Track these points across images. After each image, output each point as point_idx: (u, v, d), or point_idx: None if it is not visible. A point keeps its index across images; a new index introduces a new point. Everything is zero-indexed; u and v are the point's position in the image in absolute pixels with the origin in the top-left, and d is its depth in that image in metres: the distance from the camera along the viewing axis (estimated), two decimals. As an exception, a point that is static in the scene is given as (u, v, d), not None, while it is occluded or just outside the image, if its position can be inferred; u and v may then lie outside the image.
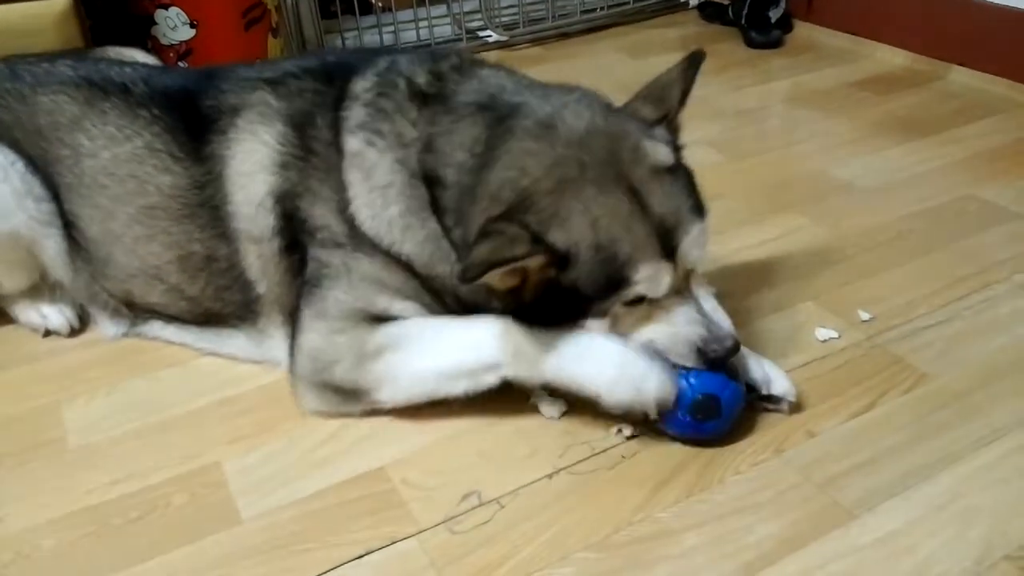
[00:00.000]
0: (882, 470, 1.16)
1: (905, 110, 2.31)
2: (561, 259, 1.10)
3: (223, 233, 1.35)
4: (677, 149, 1.22)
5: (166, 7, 2.30)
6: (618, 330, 1.17)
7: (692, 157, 1.24)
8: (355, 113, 1.28)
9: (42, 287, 1.53)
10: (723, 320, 1.18)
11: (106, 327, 1.52)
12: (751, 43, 2.83)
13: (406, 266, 1.26)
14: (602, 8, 3.09)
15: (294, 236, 1.30)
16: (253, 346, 1.42)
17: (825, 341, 1.42)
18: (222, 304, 1.41)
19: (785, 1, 2.84)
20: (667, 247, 1.12)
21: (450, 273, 1.24)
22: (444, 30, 3.00)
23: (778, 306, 1.51)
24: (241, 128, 1.33)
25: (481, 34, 2.99)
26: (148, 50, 2.13)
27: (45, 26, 1.93)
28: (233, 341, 1.43)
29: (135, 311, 1.49)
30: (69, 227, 1.46)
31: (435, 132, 1.23)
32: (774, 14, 2.83)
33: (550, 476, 1.19)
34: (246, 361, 1.43)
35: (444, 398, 1.24)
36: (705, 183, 1.21)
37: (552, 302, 1.15)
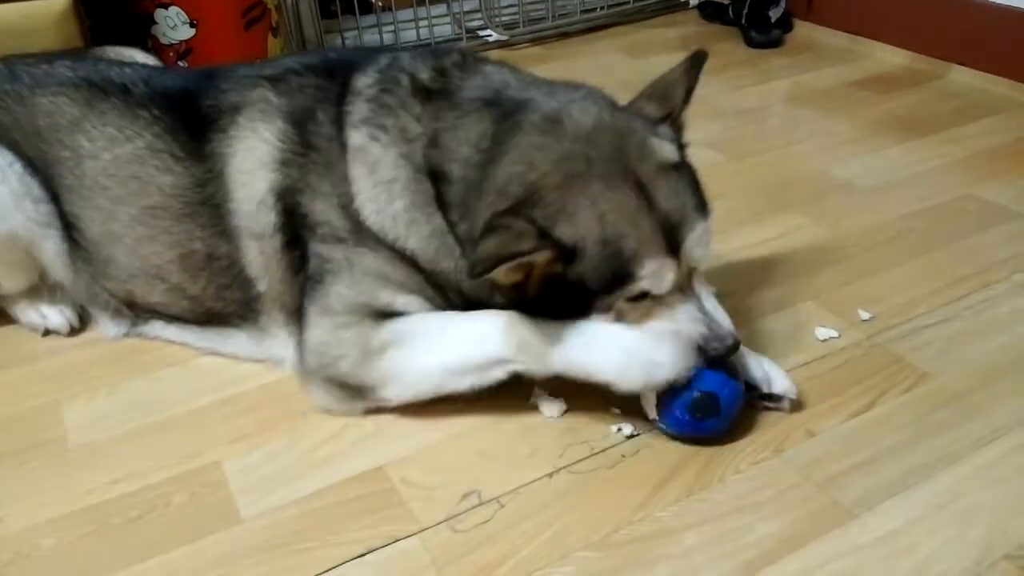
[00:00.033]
0: (882, 469, 1.16)
1: (905, 109, 2.31)
2: (568, 253, 1.10)
3: (224, 231, 1.35)
4: (681, 147, 1.22)
5: (166, 6, 2.30)
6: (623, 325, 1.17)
7: (692, 156, 1.24)
8: (358, 108, 1.28)
9: (42, 287, 1.53)
10: (723, 319, 1.18)
11: (107, 327, 1.52)
12: (751, 43, 2.83)
13: (410, 261, 1.25)
14: (602, 8, 3.09)
15: (295, 233, 1.30)
16: (254, 345, 1.42)
17: (825, 340, 1.42)
18: (223, 303, 1.41)
19: (785, 1, 2.84)
20: (672, 244, 1.12)
21: (454, 268, 1.24)
22: (444, 29, 3.00)
23: (778, 305, 1.51)
24: (242, 126, 1.33)
25: (481, 33, 2.99)
26: (148, 50, 2.13)
27: (45, 25, 1.93)
28: (234, 340, 1.43)
29: (136, 311, 1.49)
30: (69, 228, 1.45)
31: (440, 128, 1.23)
32: (774, 14, 2.83)
33: (550, 475, 1.19)
34: (247, 360, 1.43)
35: (451, 393, 1.24)
36: (705, 182, 1.21)
37: (555, 297, 1.15)
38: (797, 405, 1.27)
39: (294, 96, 1.33)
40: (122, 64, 1.52)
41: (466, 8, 2.95)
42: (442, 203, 1.23)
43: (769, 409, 1.26)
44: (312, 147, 1.29)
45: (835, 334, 1.42)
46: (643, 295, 1.14)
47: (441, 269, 1.25)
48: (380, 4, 2.92)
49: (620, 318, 1.17)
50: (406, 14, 2.91)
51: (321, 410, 1.30)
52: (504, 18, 3.02)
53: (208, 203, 1.35)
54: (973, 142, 2.10)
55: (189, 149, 1.36)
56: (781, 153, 2.12)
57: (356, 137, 1.26)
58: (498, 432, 1.26)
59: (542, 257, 1.09)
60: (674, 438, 1.22)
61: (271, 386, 1.38)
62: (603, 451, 1.22)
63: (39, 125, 1.43)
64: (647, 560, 1.05)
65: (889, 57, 2.64)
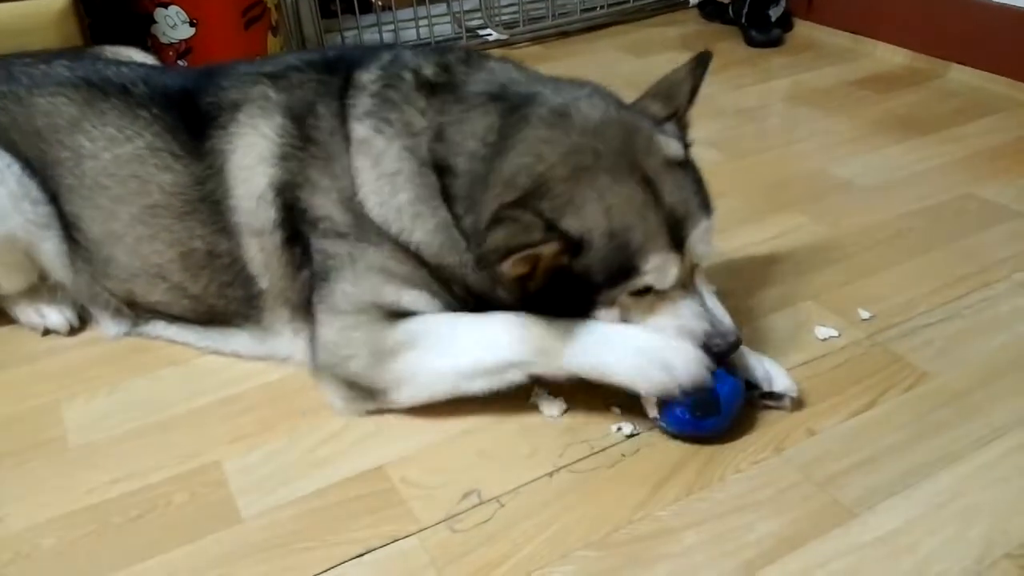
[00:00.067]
0: (882, 469, 1.16)
1: (905, 108, 2.31)
2: (574, 246, 1.10)
3: (224, 228, 1.35)
4: (686, 146, 1.23)
5: (166, 5, 2.30)
6: (625, 321, 1.18)
7: (693, 155, 1.24)
8: (362, 102, 1.28)
9: (41, 288, 1.53)
10: (724, 316, 1.19)
11: (108, 327, 1.52)
12: (751, 42, 2.83)
13: (414, 255, 1.25)
14: (602, 7, 3.09)
15: (295, 229, 1.30)
16: (257, 343, 1.42)
17: (825, 340, 1.42)
18: (225, 301, 1.40)
19: (785, 0, 2.84)
20: (676, 239, 1.13)
21: (460, 262, 1.24)
22: (444, 28, 3.00)
23: (778, 305, 1.51)
24: (242, 122, 1.33)
25: (481, 33, 2.99)
26: (147, 49, 2.13)
27: (44, 24, 1.93)
28: (237, 339, 1.43)
29: (137, 311, 1.49)
30: (69, 228, 1.45)
31: (446, 121, 1.23)
32: (774, 13, 2.82)
33: (550, 475, 1.19)
34: (250, 359, 1.43)
35: (465, 396, 1.24)
36: (707, 181, 1.21)
37: (559, 291, 1.15)
38: (798, 404, 1.27)
39: (294, 92, 1.33)
40: (120, 63, 1.52)
41: (466, 7, 2.95)
42: (447, 197, 1.22)
43: (770, 408, 1.26)
44: (312, 141, 1.29)
45: (835, 333, 1.42)
46: (646, 290, 1.15)
47: (447, 263, 1.25)
48: (380, 3, 2.92)
49: (624, 313, 1.17)
50: (406, 13, 2.91)
51: (331, 407, 1.30)
52: (504, 17, 3.02)
53: (208, 200, 1.35)
54: (973, 141, 2.10)
55: (189, 147, 1.36)
56: (781, 152, 2.12)
57: (360, 130, 1.26)
58: (498, 432, 1.26)
59: (549, 249, 1.09)
60: (675, 437, 1.22)
61: (271, 386, 1.38)
62: (603, 450, 1.22)
63: (38, 126, 1.43)
64: (647, 559, 1.05)
65: (889, 56, 2.64)
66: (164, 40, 2.34)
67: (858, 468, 1.16)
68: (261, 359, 1.42)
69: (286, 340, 1.39)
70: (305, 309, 1.33)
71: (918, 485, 1.13)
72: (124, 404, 1.37)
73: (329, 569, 1.07)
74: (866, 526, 1.08)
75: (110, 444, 1.29)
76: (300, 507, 1.16)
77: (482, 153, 1.19)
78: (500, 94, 1.23)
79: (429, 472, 1.20)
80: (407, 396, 1.26)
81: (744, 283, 1.56)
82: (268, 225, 1.32)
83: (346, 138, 1.27)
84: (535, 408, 1.29)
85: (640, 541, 1.08)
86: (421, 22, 2.92)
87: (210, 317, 1.43)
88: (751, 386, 1.24)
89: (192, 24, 2.33)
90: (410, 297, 1.26)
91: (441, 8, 2.99)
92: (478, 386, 1.22)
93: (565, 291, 1.15)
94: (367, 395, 1.27)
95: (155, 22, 2.32)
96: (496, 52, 2.65)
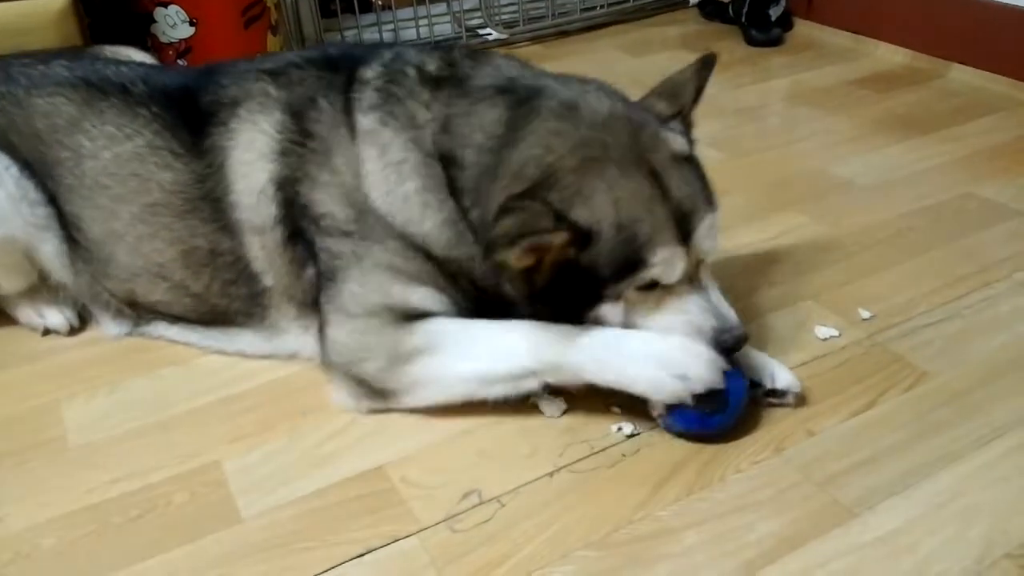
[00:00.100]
0: (882, 468, 1.16)
1: (905, 108, 2.30)
2: (583, 236, 1.10)
3: (226, 226, 1.34)
4: (690, 143, 1.24)
5: (165, 5, 2.30)
6: (632, 317, 1.18)
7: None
8: (366, 96, 1.28)
9: (41, 288, 1.52)
10: (730, 311, 1.20)
11: (109, 328, 1.52)
12: (751, 41, 2.82)
13: (421, 249, 1.25)
14: (602, 6, 3.08)
15: (296, 226, 1.30)
16: (262, 341, 1.42)
17: (826, 339, 1.41)
18: (229, 299, 1.40)
19: (785, -1, 2.85)
20: (683, 232, 1.13)
21: (468, 255, 1.24)
22: (444, 28, 3.00)
23: (778, 304, 1.51)
24: (242, 118, 1.33)
25: (481, 32, 2.98)
26: (147, 48, 2.13)
27: (44, 24, 1.93)
28: (241, 337, 1.43)
29: (138, 311, 1.49)
30: (69, 229, 1.45)
31: (452, 113, 1.23)
32: (774, 12, 2.82)
33: (550, 475, 1.19)
34: (254, 357, 1.43)
35: (480, 400, 1.24)
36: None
37: (565, 286, 1.15)
38: (800, 401, 1.27)
39: (294, 88, 1.33)
40: (119, 63, 1.52)
41: (466, 7, 2.95)
42: (453, 190, 1.23)
43: (773, 405, 1.26)
44: (313, 136, 1.29)
45: (835, 333, 1.42)
46: (653, 284, 1.15)
47: (455, 256, 1.25)
48: (380, 3, 2.92)
49: (629, 309, 1.17)
50: (406, 12, 2.91)
51: (336, 403, 1.30)
52: (504, 16, 3.02)
53: (209, 198, 1.35)
54: (973, 140, 2.10)
55: (189, 145, 1.36)
56: (781, 151, 2.12)
57: (365, 121, 1.26)
58: (498, 431, 1.26)
59: (558, 239, 1.09)
60: (679, 435, 1.22)
61: (271, 385, 1.38)
62: (603, 450, 1.22)
63: (37, 127, 1.43)
64: (647, 559, 1.05)
65: (889, 56, 2.64)
66: (164, 39, 2.34)
67: (858, 468, 1.16)
68: (266, 357, 1.42)
69: (293, 337, 1.39)
70: (312, 306, 1.33)
71: (918, 485, 1.13)
72: (124, 404, 1.37)
73: (329, 569, 1.06)
74: (866, 526, 1.08)
75: (110, 444, 1.29)
76: (300, 507, 1.16)
77: (490, 145, 1.20)
78: (508, 87, 1.24)
79: (429, 472, 1.20)
80: (420, 399, 1.26)
81: (744, 282, 1.56)
82: (269, 221, 1.31)
83: (351, 129, 1.27)
84: (535, 408, 1.29)
85: (640, 541, 1.08)
86: (421, 21, 2.91)
87: (212, 316, 1.43)
88: (754, 384, 1.24)
89: (192, 23, 2.33)
90: (418, 295, 1.26)
91: (441, 7, 2.98)
92: (494, 393, 1.22)
93: (571, 286, 1.15)
94: (378, 395, 1.27)
95: (155, 21, 2.32)
96: (496, 51, 2.65)
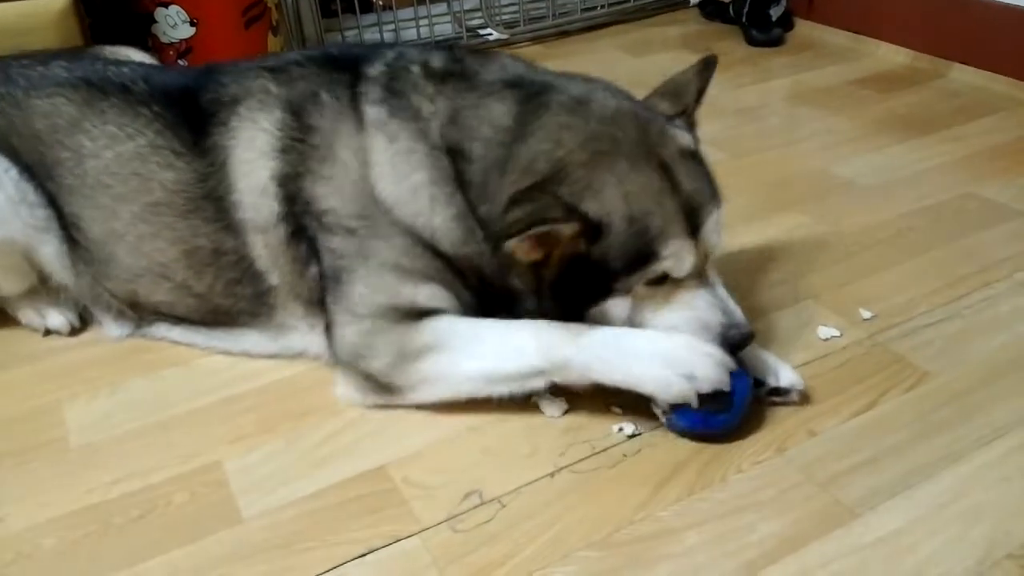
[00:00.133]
0: (884, 469, 1.16)
1: (906, 108, 2.30)
2: (594, 229, 1.11)
3: (229, 225, 1.34)
4: (695, 141, 1.25)
5: (166, 5, 2.30)
6: (639, 313, 1.18)
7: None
8: (372, 90, 1.29)
9: (42, 290, 1.52)
10: (736, 308, 1.20)
11: (110, 329, 1.52)
12: (752, 41, 2.82)
13: (428, 246, 1.25)
14: (602, 6, 3.08)
15: (299, 223, 1.30)
16: (268, 340, 1.42)
17: (827, 340, 1.41)
18: (233, 299, 1.40)
19: (786, -1, 2.85)
20: (692, 226, 1.14)
21: (477, 252, 1.24)
22: (444, 28, 3.00)
23: (779, 304, 1.51)
24: (243, 117, 1.33)
25: (482, 32, 2.98)
26: (148, 48, 2.13)
27: (45, 24, 1.93)
28: (246, 338, 1.43)
29: (140, 312, 1.49)
30: (70, 230, 1.45)
31: (460, 105, 1.24)
32: (775, 12, 2.82)
33: (552, 475, 1.18)
34: (259, 357, 1.43)
35: (486, 398, 1.24)
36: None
37: (574, 280, 1.15)
38: (804, 399, 1.27)
39: (296, 85, 1.33)
40: (119, 63, 1.52)
41: (466, 7, 2.95)
42: (461, 183, 1.23)
43: (777, 404, 1.26)
44: (315, 130, 1.29)
45: (837, 333, 1.42)
46: (663, 278, 1.15)
47: (465, 254, 1.25)
48: (380, 3, 2.92)
49: (637, 304, 1.17)
50: (406, 13, 2.91)
51: (341, 398, 1.31)
52: (504, 16, 3.02)
53: (211, 197, 1.35)
54: (974, 141, 2.10)
55: (190, 144, 1.36)
56: (782, 152, 2.12)
57: (373, 112, 1.27)
58: (499, 432, 1.26)
59: (569, 230, 1.10)
60: (682, 434, 1.22)
61: (272, 386, 1.38)
62: (604, 450, 1.22)
63: (37, 128, 1.43)
64: (648, 559, 1.05)
65: (890, 56, 2.64)
66: (164, 40, 2.34)
67: (859, 468, 1.16)
68: (271, 357, 1.42)
69: (300, 335, 1.39)
70: (318, 304, 1.33)
71: (920, 485, 1.13)
72: (125, 404, 1.37)
73: (330, 569, 1.06)
74: (868, 527, 1.08)
75: (111, 444, 1.29)
76: (301, 507, 1.15)
77: (499, 139, 1.20)
78: (516, 82, 1.25)
79: (430, 472, 1.20)
80: (427, 396, 1.26)
81: (745, 283, 1.56)
82: (272, 219, 1.31)
83: (358, 121, 1.27)
84: (536, 408, 1.29)
85: (641, 541, 1.08)
86: (421, 21, 2.92)
87: (216, 317, 1.43)
88: (757, 383, 1.24)
89: (192, 24, 2.33)
90: (425, 293, 1.26)
91: (442, 7, 2.98)
92: (500, 391, 1.23)
93: (580, 280, 1.15)
94: (384, 390, 1.27)
95: (155, 22, 2.32)
96: (501, 51, 2.65)
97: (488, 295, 1.28)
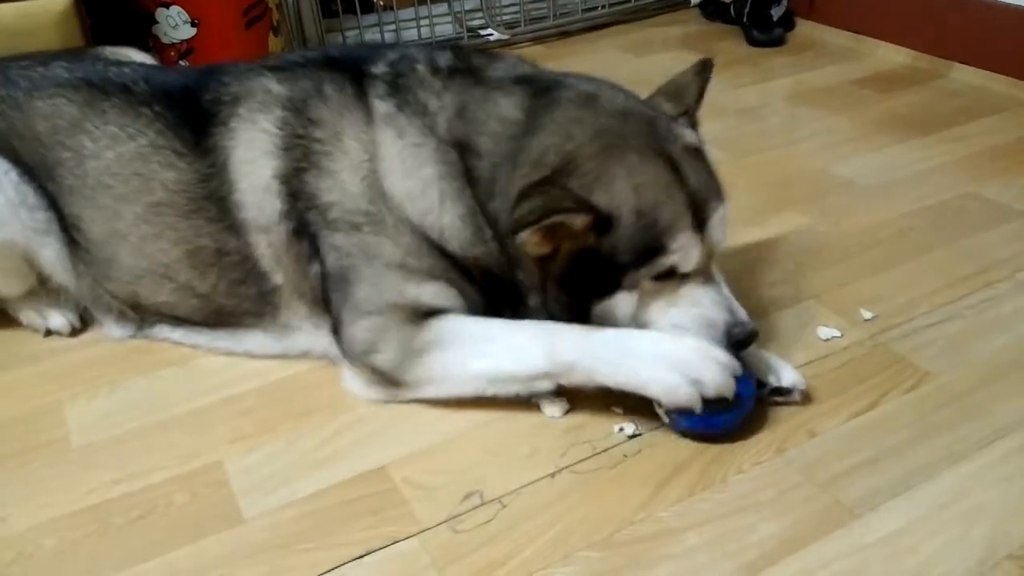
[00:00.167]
0: (884, 469, 1.16)
1: (907, 108, 2.30)
2: (603, 221, 1.11)
3: (231, 225, 1.34)
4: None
5: (167, 6, 2.30)
6: (644, 309, 1.18)
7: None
8: (378, 86, 1.29)
9: (42, 291, 1.52)
10: (739, 306, 1.21)
11: (112, 330, 1.51)
12: (753, 41, 2.82)
13: (435, 245, 1.25)
14: (603, 6, 3.08)
15: (302, 220, 1.29)
16: (273, 341, 1.42)
17: (827, 340, 1.41)
18: (237, 299, 1.40)
19: (786, -1, 2.85)
20: (699, 220, 1.15)
21: (486, 251, 1.24)
22: (445, 28, 3.00)
23: (780, 305, 1.51)
24: (242, 117, 1.33)
25: (482, 32, 2.98)
26: (149, 49, 2.13)
27: (46, 25, 1.93)
28: (250, 338, 1.43)
29: (141, 313, 1.49)
30: (71, 231, 1.45)
31: (468, 100, 1.25)
32: (776, 12, 2.82)
33: (552, 475, 1.18)
34: (263, 358, 1.43)
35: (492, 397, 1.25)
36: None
37: (581, 274, 1.16)
38: (805, 399, 1.27)
39: (298, 83, 1.33)
40: (120, 64, 1.52)
41: (467, 7, 2.95)
42: (470, 179, 1.23)
43: (779, 404, 1.26)
44: (320, 124, 1.29)
45: (837, 334, 1.42)
46: (669, 273, 1.16)
47: (473, 255, 1.25)
48: (381, 3, 2.92)
49: (643, 300, 1.18)
50: (407, 13, 2.91)
51: (355, 397, 1.31)
52: (505, 17, 3.01)
53: (213, 197, 1.35)
54: (975, 141, 2.09)
55: (191, 144, 1.36)
56: (782, 151, 2.12)
57: (383, 106, 1.27)
58: (500, 432, 1.26)
59: (580, 221, 1.10)
60: (683, 434, 1.22)
61: (272, 386, 1.38)
62: (605, 451, 1.22)
63: (37, 129, 1.43)
64: (649, 560, 1.05)
65: (891, 56, 2.64)
66: (165, 40, 2.34)
67: (860, 469, 1.16)
68: (275, 357, 1.42)
69: (305, 335, 1.39)
70: (323, 303, 1.33)
71: (920, 486, 1.13)
72: (125, 404, 1.37)
73: (330, 570, 1.06)
74: (868, 527, 1.08)
75: (112, 444, 1.29)
76: (301, 508, 1.15)
77: (508, 133, 1.21)
78: (525, 78, 1.26)
79: (430, 473, 1.20)
80: (432, 392, 1.27)
81: (745, 283, 1.56)
82: (274, 217, 1.31)
83: (367, 114, 1.27)
84: (537, 408, 1.29)
85: (642, 542, 1.08)
86: (422, 22, 2.92)
87: (219, 317, 1.43)
88: (759, 383, 1.24)
89: (193, 24, 2.33)
90: (431, 292, 1.26)
91: (442, 8, 2.99)
92: (505, 391, 1.23)
93: (587, 274, 1.15)
94: (392, 384, 1.28)
95: (156, 22, 2.32)
96: (506, 51, 2.66)
97: (494, 294, 1.28)
